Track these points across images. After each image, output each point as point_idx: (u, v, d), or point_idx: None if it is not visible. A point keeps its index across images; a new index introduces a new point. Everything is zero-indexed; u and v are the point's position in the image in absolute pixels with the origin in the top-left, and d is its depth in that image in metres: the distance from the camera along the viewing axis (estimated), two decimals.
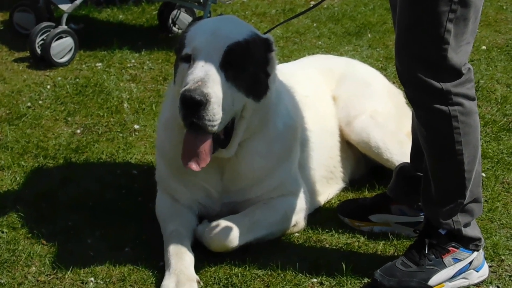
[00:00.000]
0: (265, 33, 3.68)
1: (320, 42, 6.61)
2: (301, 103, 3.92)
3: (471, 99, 3.25)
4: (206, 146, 3.34)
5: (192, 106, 3.20)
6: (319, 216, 3.96)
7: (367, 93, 4.27)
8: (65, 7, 5.97)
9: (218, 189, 3.68)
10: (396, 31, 3.28)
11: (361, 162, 4.30)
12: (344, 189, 4.23)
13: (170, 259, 3.40)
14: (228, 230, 3.54)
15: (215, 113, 3.25)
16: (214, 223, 3.57)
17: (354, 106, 4.19)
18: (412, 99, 3.28)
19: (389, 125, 4.18)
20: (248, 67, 3.42)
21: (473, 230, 3.45)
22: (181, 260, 3.40)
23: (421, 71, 3.15)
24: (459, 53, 3.16)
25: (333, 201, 4.11)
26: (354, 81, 4.33)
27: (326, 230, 3.83)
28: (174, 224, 3.61)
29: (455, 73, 3.18)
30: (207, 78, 3.26)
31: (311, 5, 7.61)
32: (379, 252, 3.67)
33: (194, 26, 3.53)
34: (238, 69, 3.37)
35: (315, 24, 7.07)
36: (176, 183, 3.72)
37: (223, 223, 3.56)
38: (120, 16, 7.06)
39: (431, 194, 3.40)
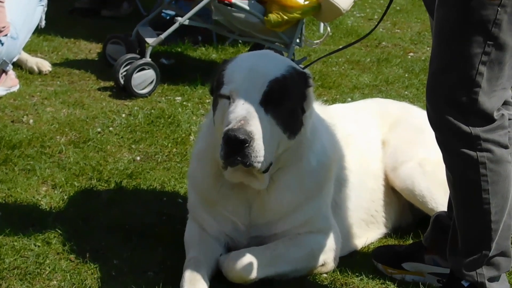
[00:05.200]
0: (303, 68, 3.68)
1: (406, 92, 6.50)
2: (342, 142, 3.87)
3: (503, 146, 3.11)
4: None
5: (237, 145, 3.21)
6: (352, 260, 3.86)
7: (419, 140, 4.14)
8: (150, 40, 6.15)
9: (246, 223, 3.65)
10: (428, 70, 3.19)
11: (406, 210, 4.17)
12: (387, 235, 4.11)
13: (184, 285, 3.39)
14: (247, 261, 3.48)
15: (259, 149, 3.25)
16: (234, 253, 3.55)
17: (402, 152, 4.09)
18: (440, 142, 3.17)
19: (438, 174, 3.99)
20: (287, 103, 3.40)
21: (500, 286, 3.27)
22: (193, 287, 3.38)
23: (450, 113, 3.05)
24: (492, 98, 3.04)
25: (372, 246, 4.00)
26: (407, 126, 4.23)
27: (357, 274, 3.72)
28: (196, 251, 3.61)
29: (486, 118, 3.06)
30: (249, 116, 3.26)
31: (409, 57, 7.62)
32: None
33: (231, 63, 3.52)
34: (277, 106, 3.37)
35: (406, 74, 6.98)
36: (204, 214, 3.71)
37: (243, 253, 3.52)
38: (213, 55, 7.19)
39: (456, 243, 3.27)
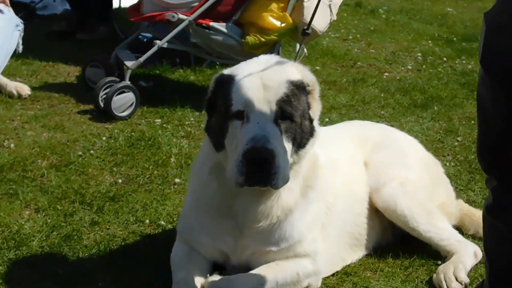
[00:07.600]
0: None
1: (383, 112, 6.59)
2: (329, 167, 3.89)
3: None
4: None
5: (259, 164, 3.25)
6: (334, 279, 3.93)
7: (399, 161, 4.23)
8: (129, 63, 6.21)
9: (239, 224, 3.60)
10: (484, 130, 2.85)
11: (387, 230, 4.23)
12: (366, 255, 4.17)
13: None
14: (235, 287, 3.53)
15: (279, 166, 3.29)
16: (222, 279, 3.57)
17: (384, 173, 4.15)
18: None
19: (419, 194, 4.12)
20: (296, 119, 3.45)
21: None
22: None
23: None
24: None
25: (352, 265, 4.06)
26: (387, 148, 4.29)
27: None
28: (184, 272, 3.63)
29: None
30: (268, 134, 3.30)
31: (384, 77, 7.71)
32: None
33: (236, 80, 3.46)
34: (289, 122, 3.42)
35: (382, 94, 7.07)
36: (201, 233, 3.69)
37: (231, 280, 3.55)
38: (191, 77, 7.24)
39: None
